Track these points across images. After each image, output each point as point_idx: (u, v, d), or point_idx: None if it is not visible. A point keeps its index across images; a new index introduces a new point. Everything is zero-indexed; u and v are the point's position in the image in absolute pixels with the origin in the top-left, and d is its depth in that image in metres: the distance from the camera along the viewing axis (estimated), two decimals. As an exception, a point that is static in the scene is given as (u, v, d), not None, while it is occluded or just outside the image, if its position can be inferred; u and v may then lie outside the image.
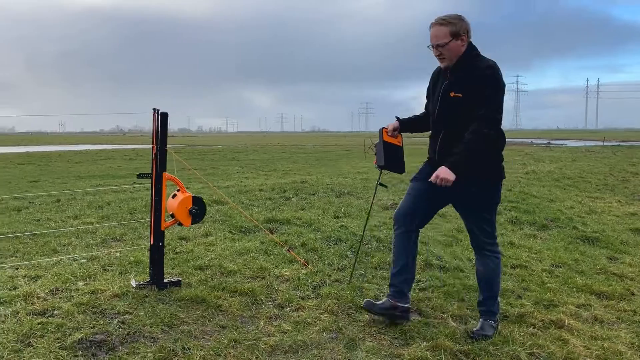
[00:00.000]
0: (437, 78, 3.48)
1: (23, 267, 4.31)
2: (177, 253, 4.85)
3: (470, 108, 3.18)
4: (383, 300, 3.51)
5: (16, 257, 4.66)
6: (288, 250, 4.84)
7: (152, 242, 3.86)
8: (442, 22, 3.25)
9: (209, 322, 3.42)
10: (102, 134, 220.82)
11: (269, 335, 3.30)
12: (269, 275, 4.32)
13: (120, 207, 7.06)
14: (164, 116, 3.76)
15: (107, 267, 4.35)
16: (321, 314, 3.65)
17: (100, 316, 3.38)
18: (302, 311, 3.69)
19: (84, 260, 4.54)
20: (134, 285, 3.86)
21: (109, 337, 3.10)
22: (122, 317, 3.37)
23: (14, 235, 5.29)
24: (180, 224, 3.85)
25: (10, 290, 3.70)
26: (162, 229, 3.86)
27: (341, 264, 4.67)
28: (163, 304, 3.64)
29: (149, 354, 2.95)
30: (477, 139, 3.14)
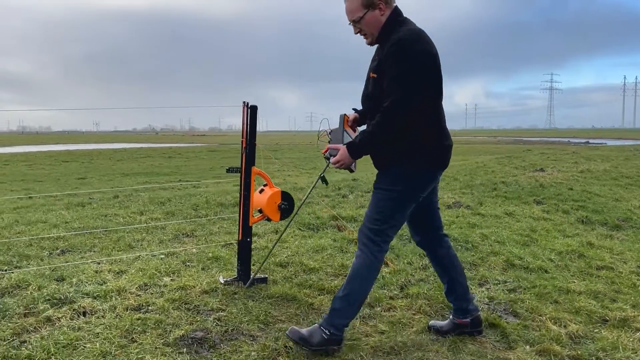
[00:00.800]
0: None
1: (104, 262, 4.29)
2: (252, 249, 4.78)
3: (383, 90, 2.78)
4: (446, 322, 3.30)
5: (94, 252, 4.66)
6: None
7: (240, 237, 3.79)
8: None
9: (303, 320, 3.34)
10: (135, 133, 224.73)
11: (367, 336, 3.19)
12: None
13: (181, 203, 7.05)
14: (254, 109, 3.69)
15: (188, 263, 4.31)
16: (414, 314, 3.54)
17: (195, 313, 3.32)
18: (394, 311, 3.57)
19: (163, 256, 4.51)
20: (222, 282, 3.79)
21: (208, 334, 3.04)
22: (216, 314, 3.30)
23: (89, 231, 5.31)
24: (268, 220, 3.77)
25: (99, 284, 3.68)
26: (250, 224, 3.79)
27: (421, 263, 4.53)
28: (254, 301, 3.57)
29: (252, 353, 2.88)
30: (374, 127, 2.75)
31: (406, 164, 2.83)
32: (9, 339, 2.82)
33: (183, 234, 5.36)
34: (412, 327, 3.33)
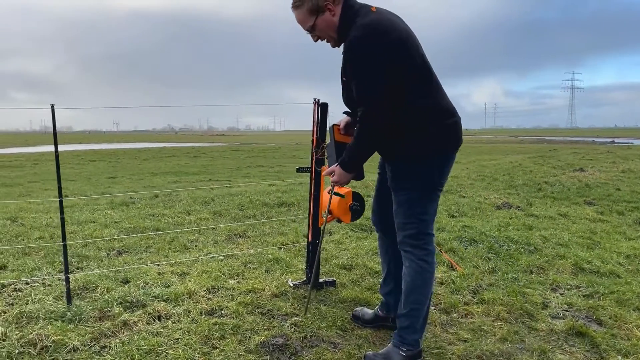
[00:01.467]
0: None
1: (163, 263, 4.20)
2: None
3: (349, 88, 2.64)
4: (371, 311, 3.25)
5: (151, 252, 4.57)
6: (441, 251, 4.58)
7: (309, 239, 3.67)
8: (296, 4, 2.65)
9: (380, 327, 3.20)
10: (154, 132, 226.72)
11: (450, 344, 3.05)
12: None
13: (226, 203, 6.96)
14: (324, 107, 3.56)
15: (249, 265, 4.20)
16: (493, 321, 3.38)
17: (269, 317, 3.21)
18: (471, 317, 3.42)
19: (222, 258, 4.41)
20: (291, 285, 3.68)
21: (288, 340, 2.92)
22: (292, 319, 3.18)
23: (142, 234, 5.23)
24: (339, 221, 3.64)
25: (165, 287, 3.58)
26: (320, 225, 3.67)
27: (488, 266, 4.37)
28: (326, 305, 3.45)
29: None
30: (356, 139, 2.63)
31: (412, 158, 2.66)
32: (89, 344, 2.73)
33: (235, 235, 5.26)
34: (494, 335, 3.18)
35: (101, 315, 3.04)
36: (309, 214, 3.68)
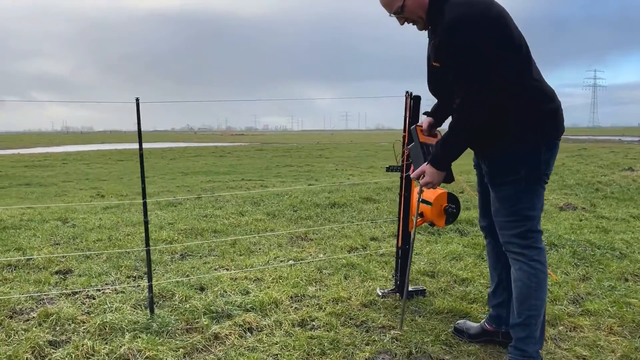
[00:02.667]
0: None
1: (233, 267, 3.97)
2: (381, 255, 4.39)
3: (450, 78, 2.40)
4: (477, 324, 2.96)
5: (215, 256, 4.34)
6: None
7: (399, 244, 3.40)
8: None
9: (488, 342, 2.91)
10: (173, 132, 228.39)
11: (569, 361, 2.75)
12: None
13: (276, 203, 6.72)
14: (417, 100, 3.28)
15: (323, 271, 3.94)
16: (607, 335, 3.07)
17: (365, 330, 2.95)
18: (581, 331, 3.11)
19: (292, 262, 4.16)
20: (380, 294, 3.41)
21: (394, 357, 2.65)
22: (390, 332, 2.92)
23: (201, 236, 5.01)
24: (432, 224, 3.36)
25: (244, 294, 3.34)
26: (410, 229, 3.39)
27: (578, 273, 4.05)
28: (421, 317, 3.17)
29: (454, 381, 2.47)
30: (454, 130, 2.41)
31: (515, 147, 2.39)
32: (183, 358, 2.49)
33: (297, 237, 5.00)
34: (614, 352, 2.88)
35: (188, 327, 2.81)
36: (398, 217, 3.41)
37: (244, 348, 2.63)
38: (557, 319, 3.24)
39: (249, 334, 2.80)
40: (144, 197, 2.84)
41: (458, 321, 3.03)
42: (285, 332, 2.83)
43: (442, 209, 3.29)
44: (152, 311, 2.88)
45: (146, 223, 2.89)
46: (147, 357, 2.43)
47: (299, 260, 4.19)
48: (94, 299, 3.26)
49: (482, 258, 4.40)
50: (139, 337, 2.63)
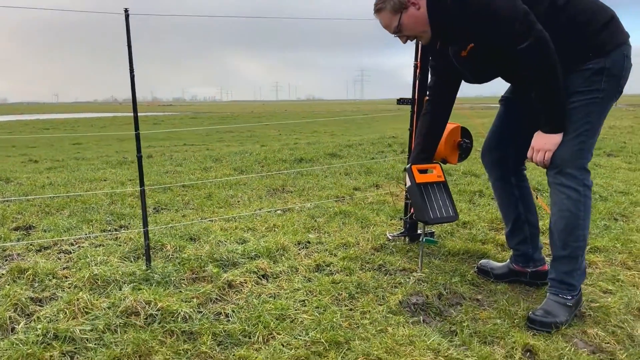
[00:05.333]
0: (439, 52, 2.55)
1: (217, 219, 3.61)
2: (370, 203, 4.16)
3: (491, 48, 2.26)
4: (501, 264, 2.80)
5: (192, 209, 3.97)
6: (537, 197, 4.13)
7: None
8: (378, 7, 2.36)
9: (514, 282, 2.76)
10: (96, 104, 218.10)
11: (598, 296, 2.64)
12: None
13: (240, 160, 6.34)
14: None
15: (316, 218, 3.66)
16: (622, 270, 3.00)
17: (386, 273, 2.72)
18: (597, 267, 3.03)
19: (280, 211, 3.85)
20: (390, 237, 3.18)
21: (427, 298, 2.44)
22: (413, 275, 2.69)
23: (159, 186, 4.59)
24: (443, 162, 3.13)
25: (241, 243, 3.01)
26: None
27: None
28: (437, 259, 2.98)
29: (495, 320, 2.29)
30: (538, 75, 2.14)
31: (591, 57, 2.19)
32: (201, 311, 2.16)
33: (274, 190, 4.68)
34: (636, 287, 2.80)
35: (194, 276, 2.46)
36: (409, 154, 3.15)
37: (266, 295, 2.32)
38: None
39: (264, 280, 2.49)
40: (136, 127, 2.43)
41: (481, 261, 2.85)
42: (305, 278, 2.54)
43: (455, 144, 3.07)
44: (149, 261, 2.50)
45: (139, 158, 2.50)
46: (159, 309, 2.07)
47: (287, 211, 3.89)
48: (69, 253, 2.83)
49: (474, 203, 4.28)
50: (141, 289, 2.26)
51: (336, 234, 3.27)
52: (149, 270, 2.45)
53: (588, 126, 2.22)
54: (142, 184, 2.48)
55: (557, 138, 2.21)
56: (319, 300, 2.30)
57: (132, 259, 2.70)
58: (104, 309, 2.07)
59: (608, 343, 2.17)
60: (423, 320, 2.28)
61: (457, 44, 2.35)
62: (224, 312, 2.16)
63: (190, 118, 32.72)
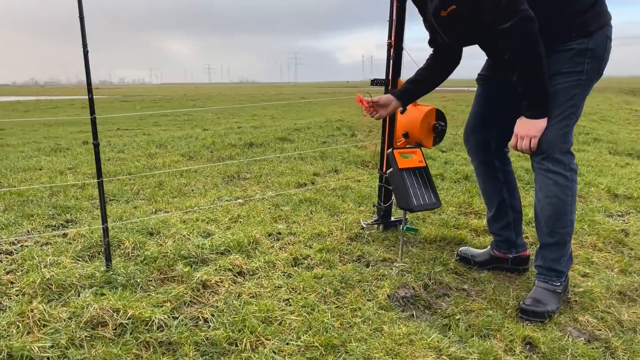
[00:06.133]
0: (421, 8, 2.42)
1: (173, 210, 3.34)
2: (333, 190, 4.01)
3: (472, 19, 2.12)
4: (482, 250, 2.70)
5: (144, 199, 3.67)
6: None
7: (384, 169, 3.01)
8: None
9: (495, 269, 2.69)
10: (15, 86, 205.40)
11: (577, 279, 2.61)
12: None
13: (186, 145, 6.01)
14: (402, 1, 2.85)
15: (281, 207, 3.47)
16: (593, 252, 3.01)
17: (366, 265, 2.59)
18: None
19: (240, 200, 3.62)
20: (364, 226, 3.03)
21: (415, 291, 2.31)
22: (395, 265, 2.56)
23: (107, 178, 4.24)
24: (418, 146, 3.00)
25: (206, 237, 2.78)
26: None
27: (531, 198, 3.99)
28: (414, 247, 2.88)
29: (488, 311, 2.20)
30: (520, 58, 2.02)
31: (577, 38, 2.09)
32: (176, 317, 1.92)
33: (229, 177, 4.43)
34: (611, 269, 2.80)
35: (163, 277, 2.21)
36: (382, 139, 3.01)
37: (246, 295, 2.11)
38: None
39: (241, 278, 2.28)
40: (92, 111, 2.14)
41: (460, 248, 2.76)
42: (284, 273, 2.35)
43: (431, 127, 2.95)
44: (109, 261, 2.23)
45: (96, 146, 2.20)
46: (130, 318, 1.82)
47: (249, 199, 3.66)
48: (11, 254, 2.50)
49: (436, 187, 4.20)
50: (104, 295, 2.00)
51: (306, 224, 3.09)
52: (110, 272, 2.18)
53: (573, 109, 2.14)
54: (99, 174, 2.19)
55: (541, 123, 2.11)
56: (304, 298, 2.11)
57: (87, 259, 2.41)
58: (65, 320, 1.80)
59: (600, 330, 2.13)
60: (415, 315, 2.15)
61: (438, 1, 2.17)
62: (202, 317, 1.94)
63: (121, 102, 31.30)
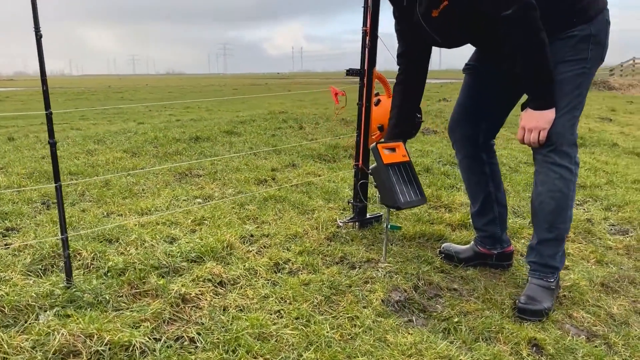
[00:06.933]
0: (404, 12, 2.31)
1: (128, 213, 3.06)
2: (295, 186, 3.83)
3: (468, 11, 2.04)
4: (465, 247, 2.61)
5: (91, 201, 3.34)
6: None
7: (360, 163, 2.86)
8: None
9: (479, 265, 2.61)
10: None
11: (568, 269, 2.58)
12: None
13: (128, 140, 5.62)
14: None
15: (245, 206, 3.25)
16: (570, 243, 2.99)
17: (351, 267, 2.43)
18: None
19: (199, 200, 3.37)
20: (341, 224, 2.87)
21: (408, 294, 2.20)
22: (380, 267, 2.43)
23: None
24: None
25: (171, 243, 2.54)
26: (369, 146, 2.88)
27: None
28: (394, 245, 2.75)
29: (489, 312, 2.11)
30: (523, 47, 1.92)
31: (578, 21, 2.02)
32: (158, 339, 1.69)
33: (180, 174, 4.15)
34: (587, 260, 2.80)
35: (135, 291, 1.95)
36: (358, 132, 2.85)
37: (233, 308, 1.90)
38: (517, 233, 3.08)
39: (223, 289, 2.06)
40: (47, 105, 1.85)
41: (443, 245, 2.66)
42: (268, 281, 2.15)
43: (406, 120, 2.82)
44: (69, 276, 1.95)
45: (53, 144, 1.92)
46: (107, 344, 1.57)
47: (207, 198, 3.42)
48: (-55, 272, 2.15)
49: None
50: (70, 317, 1.73)
51: (278, 224, 2.90)
52: (72, 288, 1.90)
53: (580, 99, 2.08)
54: (57, 178, 1.90)
55: (550, 115, 2.03)
56: (297, 308, 1.93)
57: (40, 274, 2.11)
58: (28, 351, 1.53)
59: (596, 326, 2.09)
60: (414, 321, 2.02)
61: (428, 0, 2.07)
62: (188, 337, 1.72)
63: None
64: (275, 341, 1.71)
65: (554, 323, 2.08)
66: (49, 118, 1.85)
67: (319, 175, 4.17)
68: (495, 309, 2.13)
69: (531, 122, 2.05)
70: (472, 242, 2.62)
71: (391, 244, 2.72)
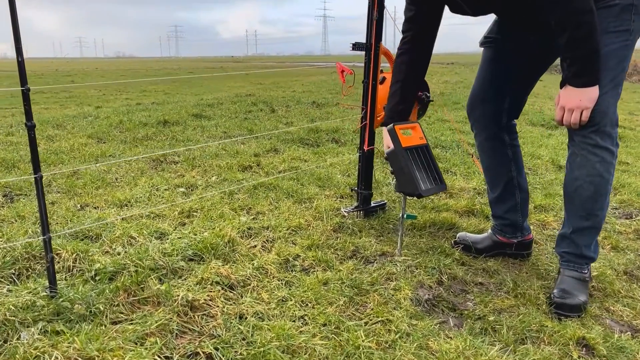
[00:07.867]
0: None
1: (104, 205, 2.74)
2: (282, 172, 3.57)
3: None
4: (482, 236, 2.44)
5: (61, 192, 3.00)
6: (472, 156, 3.85)
7: (365, 147, 2.63)
8: None
9: (497, 255, 2.44)
10: None
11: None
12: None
13: (91, 125, 5.21)
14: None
15: (234, 195, 2.98)
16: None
17: (366, 261, 2.21)
18: (549, 227, 2.85)
19: (183, 189, 3.08)
20: (345, 214, 2.64)
21: (434, 291, 1.99)
22: (398, 261, 2.21)
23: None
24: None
25: (160, 239, 2.25)
26: (375, 127, 2.65)
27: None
28: (409, 236, 2.53)
29: (522, 309, 1.94)
30: (571, 15, 1.72)
31: None
32: (168, 357, 1.42)
33: (156, 161, 3.82)
34: (630, 250, 2.67)
35: (132, 298, 1.67)
36: (364, 113, 2.61)
37: (250, 316, 1.64)
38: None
39: (233, 292, 1.80)
40: (23, 82, 1.53)
41: (458, 235, 2.47)
42: (282, 281, 1.90)
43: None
44: (53, 283, 1.65)
45: (31, 128, 1.60)
46: (113, 368, 1.29)
47: (190, 187, 3.12)
48: None
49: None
50: (61, 334, 1.44)
51: (276, 214, 2.64)
52: (58, 298, 1.60)
53: (623, 74, 1.90)
54: (37, 168, 1.59)
55: (594, 92, 1.82)
56: (322, 313, 1.69)
57: (16, 281, 1.80)
58: (14, 380, 1.24)
59: (637, 320, 1.94)
60: (449, 322, 1.82)
61: None
62: (203, 352, 1.46)
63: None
64: (308, 355, 1.47)
65: (594, 318, 1.92)
66: (26, 96, 1.53)
67: (305, 161, 3.92)
68: (530, 304, 1.96)
69: (573, 100, 1.84)
70: (490, 230, 2.44)
71: (405, 235, 2.51)
